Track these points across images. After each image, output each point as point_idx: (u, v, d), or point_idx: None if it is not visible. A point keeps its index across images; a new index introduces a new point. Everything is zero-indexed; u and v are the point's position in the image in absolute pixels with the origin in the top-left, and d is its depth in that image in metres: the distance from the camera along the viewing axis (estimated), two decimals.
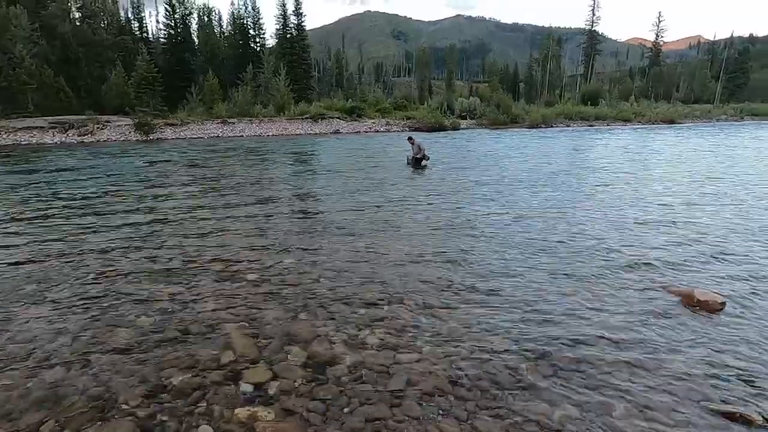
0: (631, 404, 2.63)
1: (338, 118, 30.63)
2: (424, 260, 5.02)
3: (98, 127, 24.13)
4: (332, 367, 3.01)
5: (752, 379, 2.87)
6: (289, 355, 3.16)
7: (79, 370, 2.98)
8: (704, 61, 70.14)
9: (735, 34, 73.27)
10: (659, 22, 64.73)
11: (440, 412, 2.57)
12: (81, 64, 33.72)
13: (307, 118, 29.80)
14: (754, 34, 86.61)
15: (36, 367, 3.02)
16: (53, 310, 3.86)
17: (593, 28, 61.56)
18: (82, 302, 4.00)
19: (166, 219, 6.96)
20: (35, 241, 5.79)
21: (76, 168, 12.89)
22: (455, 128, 29.41)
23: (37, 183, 10.33)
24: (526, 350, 3.19)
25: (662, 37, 66.10)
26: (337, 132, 27.59)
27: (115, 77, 31.91)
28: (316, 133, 26.96)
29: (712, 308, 3.81)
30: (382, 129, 28.84)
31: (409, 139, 13.08)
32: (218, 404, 2.65)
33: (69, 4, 37.13)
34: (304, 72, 43.47)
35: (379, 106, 34.52)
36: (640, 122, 36.32)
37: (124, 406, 2.63)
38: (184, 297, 4.09)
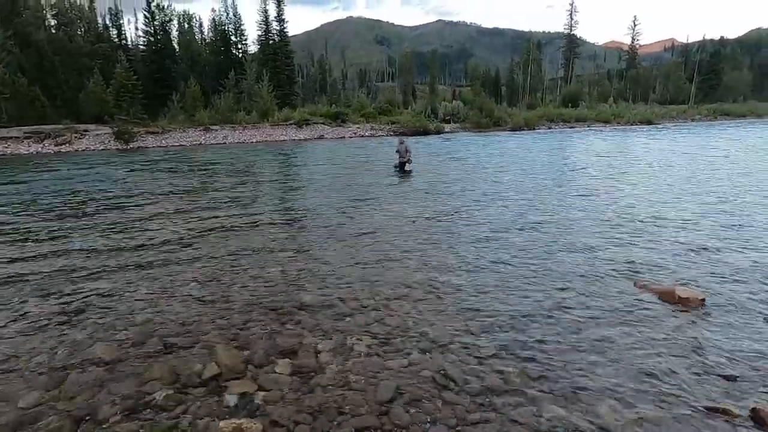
0: (616, 402, 2.65)
1: (323, 123, 30.57)
2: (409, 265, 5.02)
3: (76, 137, 23.59)
4: (319, 376, 2.97)
5: (734, 373, 2.93)
6: (275, 366, 3.10)
7: (56, 389, 2.87)
8: (678, 63, 72.13)
9: (707, 37, 75.75)
10: (635, 25, 66.59)
11: (429, 419, 2.56)
12: (57, 72, 32.94)
13: (291, 123, 29.67)
14: (725, 37, 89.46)
15: (11, 387, 2.91)
16: (29, 325, 3.72)
17: (572, 32, 62.93)
18: (59, 317, 3.87)
19: (147, 229, 6.81)
20: (5, 256, 5.60)
21: (48, 179, 12.54)
22: (439, 132, 29.61)
23: (11, 194, 10.02)
24: (513, 353, 3.20)
25: (638, 40, 68.02)
26: (321, 137, 27.52)
27: (93, 85, 31.23)
28: (300, 139, 26.85)
29: (692, 304, 3.89)
30: (366, 134, 28.87)
31: (400, 140, 13.10)
32: (202, 418, 2.59)
33: (44, 11, 36.33)
34: (287, 78, 43.27)
35: (363, 111, 34.56)
36: (619, 123, 37.15)
37: (104, 424, 2.54)
38: (166, 309, 4.00)
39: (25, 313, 3.98)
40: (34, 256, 5.55)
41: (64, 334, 3.57)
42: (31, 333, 3.62)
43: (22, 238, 6.46)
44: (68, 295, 4.35)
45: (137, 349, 3.33)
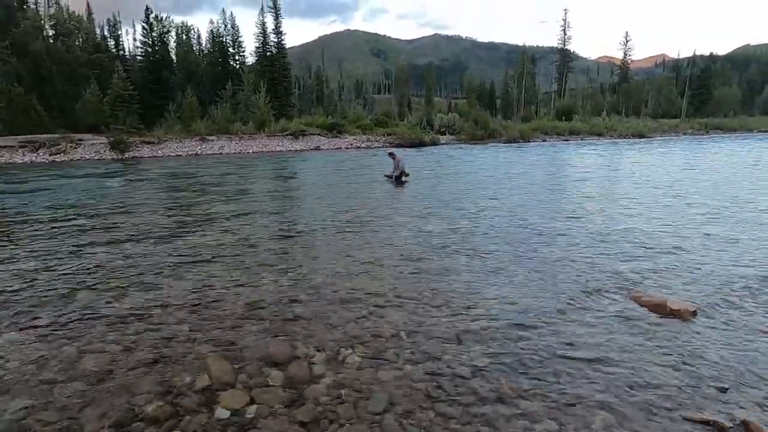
0: (608, 415, 2.65)
1: (319, 134, 30.74)
2: (403, 276, 5.02)
3: (71, 146, 23.55)
4: (312, 388, 2.95)
5: (725, 385, 2.95)
6: (267, 378, 3.08)
7: (43, 401, 2.83)
8: (670, 78, 73.49)
9: (697, 53, 77.31)
10: (627, 41, 67.88)
11: (421, 430, 2.54)
12: (54, 82, 33.01)
13: (287, 134, 29.80)
14: (715, 53, 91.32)
15: None
16: (16, 335, 3.68)
17: (565, 47, 64.03)
18: (48, 327, 3.82)
19: (139, 238, 6.78)
20: None
21: (44, 188, 12.49)
22: (435, 144, 29.85)
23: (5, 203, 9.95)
24: (506, 365, 3.20)
25: (630, 55, 69.25)
26: (317, 148, 27.63)
27: (89, 95, 31.31)
28: (296, 150, 26.95)
29: (684, 316, 3.91)
30: (362, 145, 29.02)
31: (391, 154, 13.21)
32: (193, 431, 2.56)
33: (42, 21, 36.53)
34: (284, 89, 43.61)
35: (359, 123, 34.80)
36: (611, 136, 37.66)
37: None
38: (157, 320, 3.97)
39: (13, 323, 3.93)
40: (19, 266, 5.50)
41: (52, 345, 3.53)
42: (18, 343, 3.57)
43: (8, 247, 6.40)
44: (56, 305, 4.31)
45: (127, 361, 3.29)
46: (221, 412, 2.72)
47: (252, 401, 2.83)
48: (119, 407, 2.76)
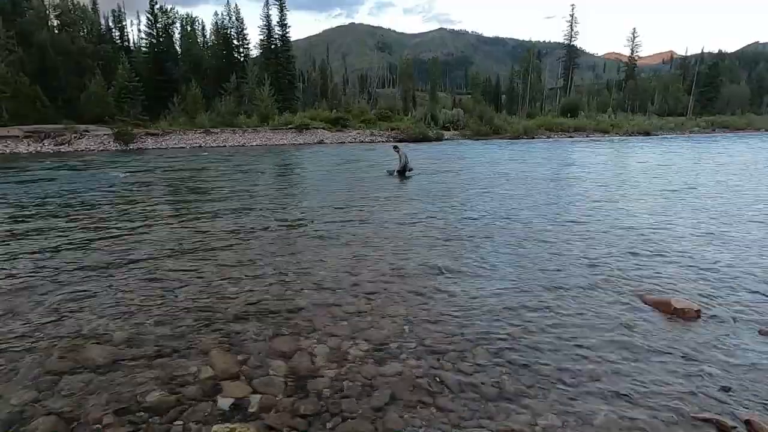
0: (610, 412, 2.65)
1: (323, 128, 30.70)
2: (407, 271, 5.01)
3: (76, 137, 23.63)
4: (314, 381, 2.96)
5: (728, 384, 2.94)
6: (269, 370, 3.09)
7: (48, 390, 2.86)
8: (677, 75, 72.75)
9: (705, 50, 76.56)
10: (634, 37, 67.22)
11: (423, 424, 2.55)
12: (59, 72, 33.04)
13: (291, 128, 29.79)
14: (723, 50, 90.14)
15: (3, 385, 2.89)
16: (22, 325, 3.71)
17: (571, 43, 63.53)
18: (53, 318, 3.85)
19: (142, 232, 6.80)
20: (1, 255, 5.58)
21: (46, 179, 12.53)
22: (439, 139, 29.77)
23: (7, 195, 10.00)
24: (508, 360, 3.20)
25: (637, 52, 68.63)
26: (321, 142, 27.62)
27: (94, 86, 31.34)
28: (300, 144, 26.94)
29: (688, 316, 3.90)
30: (366, 139, 28.98)
31: (395, 147, 13.20)
32: (195, 422, 2.57)
33: (47, 11, 36.51)
34: (288, 82, 43.51)
35: (363, 117, 34.75)
36: (617, 133, 37.41)
37: (95, 426, 2.53)
38: (161, 311, 3.99)
39: (18, 313, 3.96)
40: (25, 255, 5.53)
41: (58, 336, 3.55)
42: (24, 333, 3.60)
43: (10, 236, 6.44)
44: (62, 296, 4.33)
45: (131, 352, 3.31)
46: (223, 403, 2.74)
47: (254, 392, 2.85)
48: (123, 397, 2.78)
